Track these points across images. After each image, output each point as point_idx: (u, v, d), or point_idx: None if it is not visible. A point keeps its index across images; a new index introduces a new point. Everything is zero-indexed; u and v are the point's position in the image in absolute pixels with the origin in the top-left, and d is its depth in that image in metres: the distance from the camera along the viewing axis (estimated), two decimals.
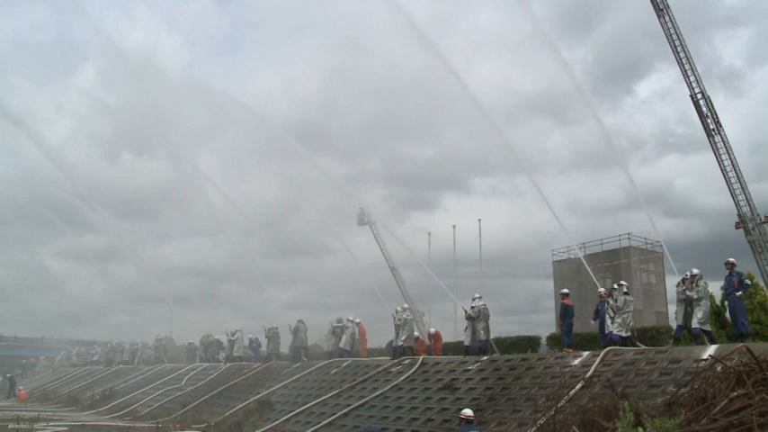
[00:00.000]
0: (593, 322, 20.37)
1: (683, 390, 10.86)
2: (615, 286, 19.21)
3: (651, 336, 21.48)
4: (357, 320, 27.78)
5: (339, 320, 27.96)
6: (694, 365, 12.46)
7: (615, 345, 17.31)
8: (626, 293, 18.72)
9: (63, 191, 45.71)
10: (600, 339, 19.56)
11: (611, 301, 18.76)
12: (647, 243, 43.70)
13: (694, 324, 16.73)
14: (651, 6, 28.61)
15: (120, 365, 43.00)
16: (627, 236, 43.01)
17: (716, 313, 25.17)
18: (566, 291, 21.43)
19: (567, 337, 20.16)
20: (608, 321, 18.75)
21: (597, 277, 27.61)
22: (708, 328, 16.95)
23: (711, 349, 13.99)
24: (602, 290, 20.22)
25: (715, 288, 22.71)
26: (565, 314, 20.48)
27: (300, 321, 29.50)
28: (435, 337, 25.89)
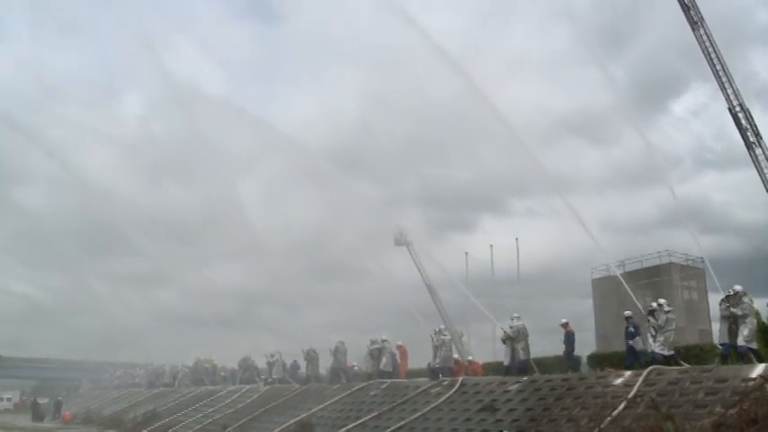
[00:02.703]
0: (630, 342, 20.05)
1: (731, 411, 10.64)
2: (654, 305, 18.88)
3: (695, 354, 21.02)
4: (399, 342, 27.77)
5: (375, 341, 27.91)
6: (742, 385, 12.19)
7: (658, 364, 17.01)
8: (667, 311, 18.41)
9: (109, 216, 46.76)
10: (626, 359, 19.38)
11: (651, 320, 18.46)
12: (687, 259, 42.90)
13: (740, 342, 16.37)
14: (685, 22, 28.27)
15: (162, 387, 43.50)
16: (667, 252, 42.29)
17: (762, 330, 24.51)
18: (565, 320, 21.57)
19: (569, 360, 20.69)
20: (649, 340, 18.46)
21: (637, 295, 27.14)
22: (754, 345, 16.57)
23: (760, 368, 13.62)
24: (628, 312, 19.99)
25: (761, 305, 22.19)
26: (567, 341, 21.00)
27: (340, 342, 29.55)
28: (472, 364, 25.87)
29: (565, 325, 21.35)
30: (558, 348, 22.14)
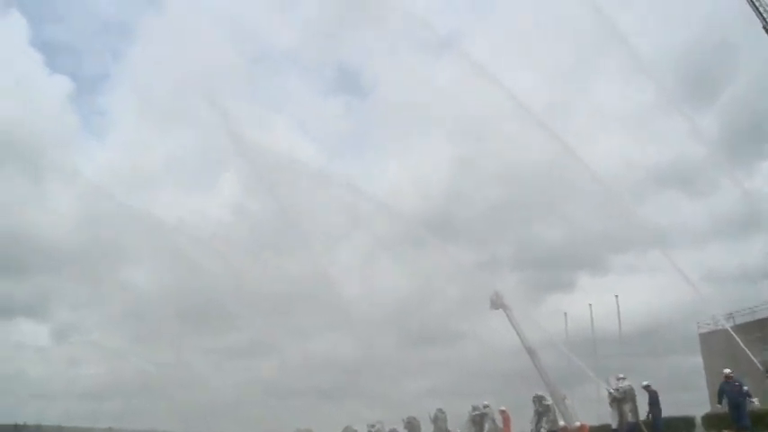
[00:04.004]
0: (719, 406, 19.11)
1: None
2: None
3: None
4: (502, 407, 27.36)
5: (476, 407, 27.57)
6: None
7: None
8: None
9: (210, 292, 48.84)
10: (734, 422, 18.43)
11: None
12: None
13: None
14: None
15: None
16: None
17: None
18: (646, 383, 20.87)
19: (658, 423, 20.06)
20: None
21: (753, 350, 25.83)
22: None
23: None
24: (727, 370, 19.10)
25: None
26: (653, 402, 20.52)
27: (440, 410, 29.33)
28: (582, 429, 25.14)
29: (647, 387, 20.81)
30: (669, 409, 21.36)
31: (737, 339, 27.57)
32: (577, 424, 25.75)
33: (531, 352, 27.71)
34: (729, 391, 18.68)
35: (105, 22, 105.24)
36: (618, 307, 41.64)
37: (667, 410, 21.87)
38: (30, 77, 79.63)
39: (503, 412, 27.29)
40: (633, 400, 20.71)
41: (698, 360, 44.15)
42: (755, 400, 18.68)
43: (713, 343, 42.17)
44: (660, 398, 20.62)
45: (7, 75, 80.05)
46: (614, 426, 20.85)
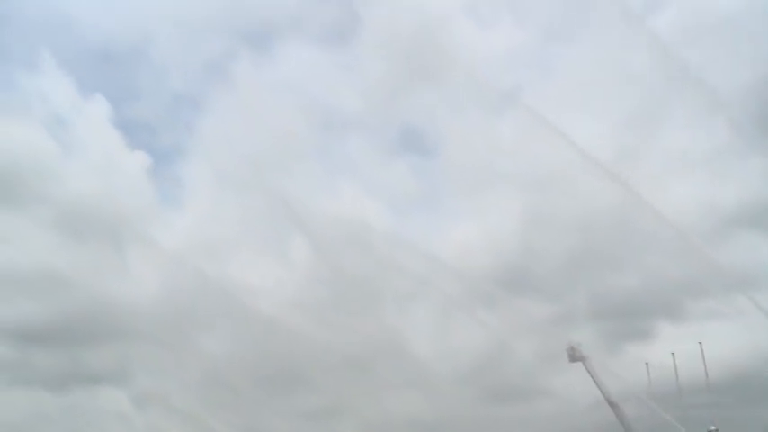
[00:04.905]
0: None
1: None
2: None
3: None
4: None
5: None
6: None
7: None
8: None
9: (287, 354, 49.57)
10: None
11: None
12: None
13: None
14: None
15: None
16: None
17: None
18: (714, 428, 19.84)
19: None
20: None
21: None
22: None
23: None
24: None
25: None
26: None
27: None
28: None
29: None
30: None
31: None
32: None
33: (613, 405, 26.97)
34: None
35: (177, 96, 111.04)
36: (703, 354, 40.07)
37: None
38: (111, 155, 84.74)
39: None
40: None
41: None
42: None
43: None
44: None
45: (92, 154, 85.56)
46: None
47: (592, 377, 27.85)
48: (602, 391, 27.53)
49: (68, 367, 72.99)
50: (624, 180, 25.22)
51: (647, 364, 40.48)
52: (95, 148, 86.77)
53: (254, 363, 57.64)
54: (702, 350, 40.55)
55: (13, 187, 76.91)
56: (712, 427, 20.56)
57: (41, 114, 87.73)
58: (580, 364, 28.03)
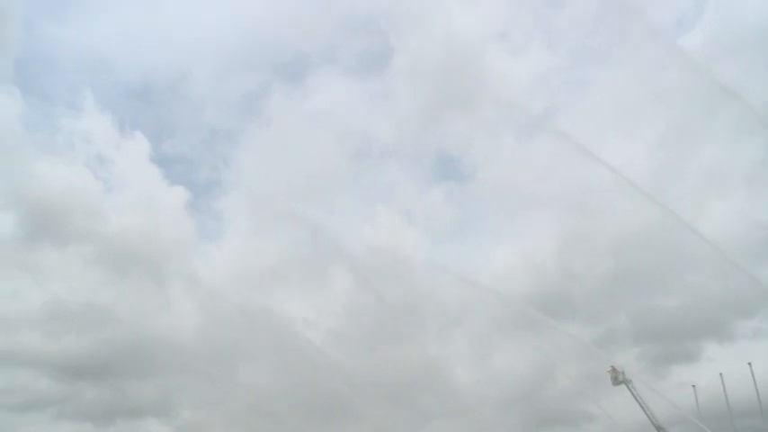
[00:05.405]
0: None
1: None
2: None
3: None
4: None
5: None
6: None
7: None
8: None
9: (329, 384, 49.77)
10: None
11: None
12: None
13: None
14: None
15: None
16: None
17: None
18: None
19: None
20: None
21: None
22: None
23: None
24: None
25: None
26: None
27: None
28: None
29: None
30: None
31: None
32: None
33: (660, 429, 26.47)
34: None
35: (213, 130, 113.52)
36: (753, 375, 39.10)
37: None
38: (151, 190, 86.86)
39: None
40: None
41: None
42: None
43: None
44: None
45: (132, 190, 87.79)
46: None
47: (636, 400, 27.44)
48: (647, 415, 27.07)
49: (113, 400, 74.27)
50: (661, 200, 25.06)
51: (693, 386, 39.70)
52: (135, 185, 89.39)
53: (296, 394, 57.92)
54: (752, 371, 39.60)
55: (57, 225, 79.40)
56: None
57: (84, 153, 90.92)
58: (624, 387, 27.65)
